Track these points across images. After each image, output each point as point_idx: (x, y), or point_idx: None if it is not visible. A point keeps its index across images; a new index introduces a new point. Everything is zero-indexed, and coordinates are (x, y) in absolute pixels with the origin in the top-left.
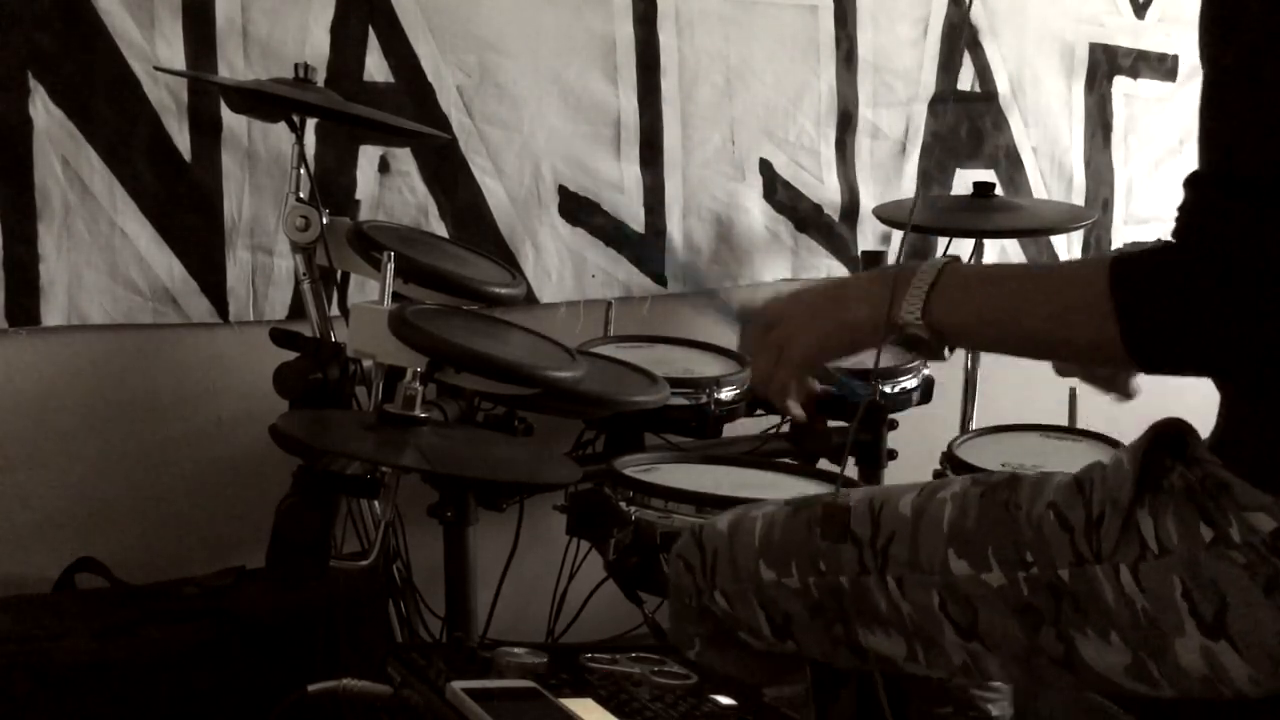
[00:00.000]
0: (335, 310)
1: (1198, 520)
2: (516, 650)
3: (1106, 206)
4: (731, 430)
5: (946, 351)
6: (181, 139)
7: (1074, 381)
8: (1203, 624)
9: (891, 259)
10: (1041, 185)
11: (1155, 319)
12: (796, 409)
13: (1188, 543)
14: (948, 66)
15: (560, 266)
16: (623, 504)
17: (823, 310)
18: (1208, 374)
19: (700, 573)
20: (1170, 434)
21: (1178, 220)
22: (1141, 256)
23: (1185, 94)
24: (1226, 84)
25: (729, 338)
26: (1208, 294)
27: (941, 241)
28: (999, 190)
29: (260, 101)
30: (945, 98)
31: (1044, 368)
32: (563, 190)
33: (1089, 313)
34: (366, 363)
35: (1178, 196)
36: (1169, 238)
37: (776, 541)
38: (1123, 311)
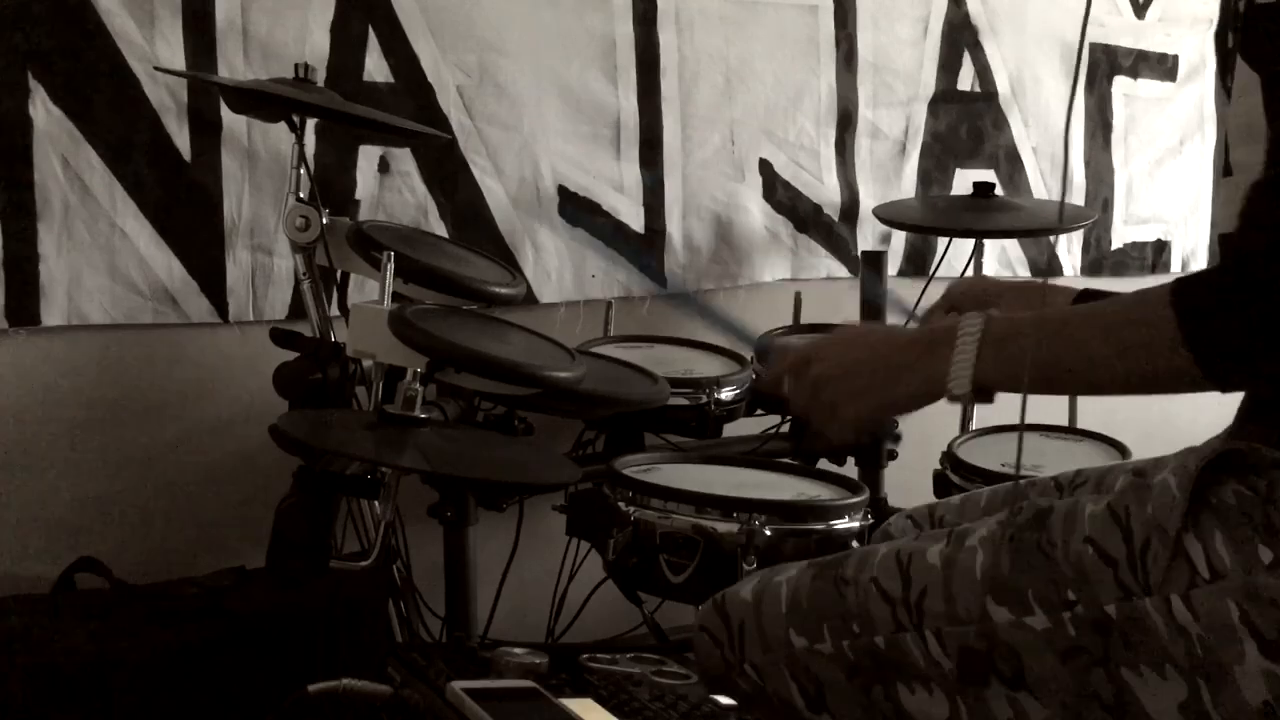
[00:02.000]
0: (335, 310)
1: (1255, 540)
2: (516, 650)
3: (1106, 206)
4: (731, 430)
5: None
6: (181, 139)
7: None
8: (1264, 645)
9: (894, 260)
10: (1041, 185)
11: (1228, 340)
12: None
13: (1243, 565)
14: (948, 66)
15: (560, 266)
16: (622, 504)
17: (873, 384)
18: None
19: (728, 646)
20: (1228, 456)
21: (1239, 230)
22: (1204, 278)
23: (1185, 94)
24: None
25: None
26: (1274, 301)
27: (941, 241)
28: (999, 190)
29: (260, 101)
30: (945, 98)
31: None
32: (563, 190)
33: (1157, 345)
34: (366, 363)
35: (1178, 197)
36: (1231, 248)
37: (805, 606)
38: (1192, 340)
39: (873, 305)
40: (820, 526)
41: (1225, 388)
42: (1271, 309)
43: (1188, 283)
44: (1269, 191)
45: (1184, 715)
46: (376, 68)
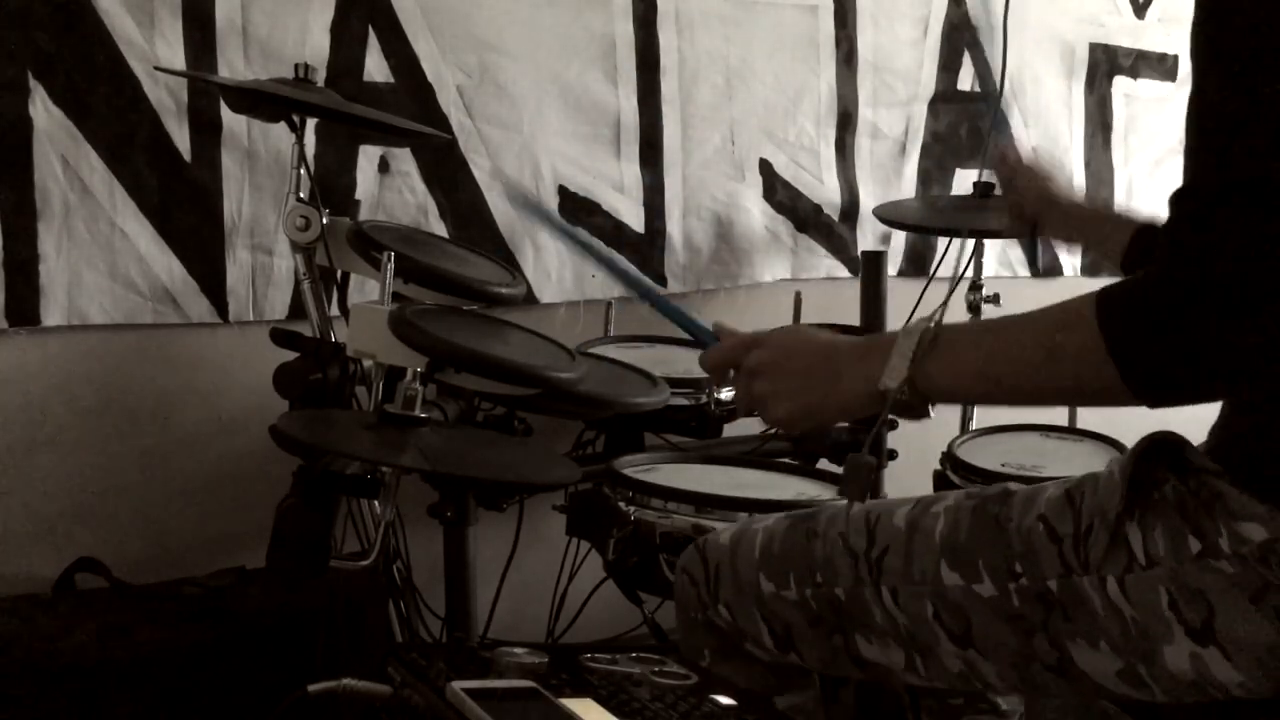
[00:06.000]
0: (335, 310)
1: (1186, 533)
2: (516, 650)
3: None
4: (731, 430)
5: (931, 410)
6: (181, 139)
7: None
8: (1191, 631)
9: (894, 260)
10: None
11: (1152, 351)
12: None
13: (1174, 555)
14: (948, 66)
15: (560, 266)
16: (622, 504)
17: (812, 385)
18: (1216, 399)
19: (704, 586)
20: (1164, 445)
21: (1161, 240)
22: (1126, 287)
23: (1185, 94)
24: (1207, 99)
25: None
26: (1202, 315)
27: (941, 241)
28: (999, 190)
29: (260, 101)
30: (945, 98)
31: None
32: (563, 190)
33: (1082, 355)
34: (366, 363)
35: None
36: (1153, 261)
37: (776, 554)
38: (1116, 349)
39: (873, 305)
40: None
41: (1150, 401)
42: (1196, 318)
43: (1112, 290)
44: (1180, 199)
45: (1122, 679)
46: (376, 68)
